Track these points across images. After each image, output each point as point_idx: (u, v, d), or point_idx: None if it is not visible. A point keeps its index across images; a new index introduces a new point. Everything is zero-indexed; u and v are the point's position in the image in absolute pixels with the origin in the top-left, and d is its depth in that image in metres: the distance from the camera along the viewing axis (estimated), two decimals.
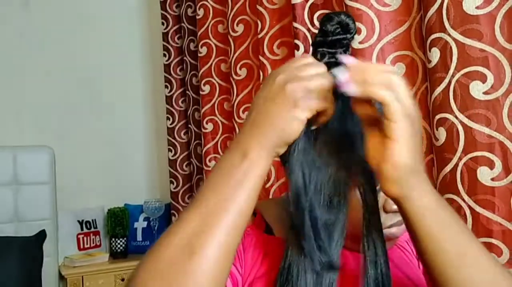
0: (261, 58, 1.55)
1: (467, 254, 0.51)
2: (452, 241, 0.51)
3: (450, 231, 0.51)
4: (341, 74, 0.50)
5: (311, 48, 0.61)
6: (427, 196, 0.51)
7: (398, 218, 0.62)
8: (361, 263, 0.54)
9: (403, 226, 0.63)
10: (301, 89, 0.50)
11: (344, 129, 0.55)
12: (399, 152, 0.48)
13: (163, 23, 2.35)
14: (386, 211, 0.61)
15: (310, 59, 0.54)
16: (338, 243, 0.54)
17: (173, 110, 2.32)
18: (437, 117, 1.02)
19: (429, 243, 0.51)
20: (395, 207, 0.60)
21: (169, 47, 2.33)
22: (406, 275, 0.68)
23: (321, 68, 0.52)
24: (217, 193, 0.51)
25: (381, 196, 0.60)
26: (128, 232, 2.44)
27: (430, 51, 1.03)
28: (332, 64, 0.57)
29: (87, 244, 2.39)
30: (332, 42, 0.57)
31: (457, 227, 0.52)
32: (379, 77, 0.49)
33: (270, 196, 1.52)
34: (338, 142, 0.56)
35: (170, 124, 2.33)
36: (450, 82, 0.99)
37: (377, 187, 0.57)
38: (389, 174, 0.49)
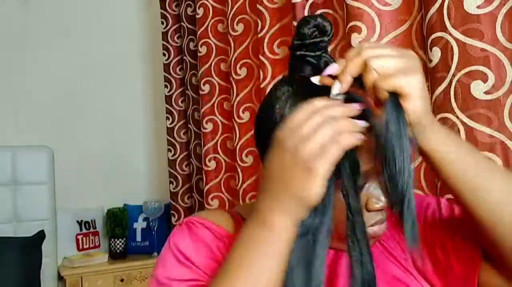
0: (261, 57, 1.55)
1: (482, 167, 0.58)
2: (470, 161, 0.58)
3: (469, 155, 0.58)
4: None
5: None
6: (442, 127, 0.58)
7: (380, 216, 0.63)
8: (347, 263, 0.55)
9: (384, 224, 0.64)
10: (312, 150, 0.50)
11: None
12: (414, 102, 0.53)
13: (162, 22, 2.35)
14: (368, 210, 0.61)
15: (309, 107, 0.53)
16: (324, 246, 0.54)
17: (173, 110, 2.31)
18: (438, 117, 1.02)
19: (455, 167, 0.57)
20: (377, 205, 0.61)
21: (169, 46, 2.32)
22: (387, 272, 0.68)
23: (322, 109, 0.52)
24: (247, 268, 0.53)
25: (364, 195, 0.61)
26: (128, 233, 2.44)
27: (431, 50, 1.03)
28: (312, 66, 0.59)
29: (86, 244, 2.39)
30: (310, 45, 0.58)
31: (469, 148, 0.60)
32: (354, 60, 0.53)
33: None
34: None
35: (170, 124, 2.32)
36: (451, 81, 0.99)
37: (359, 185, 0.58)
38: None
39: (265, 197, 0.54)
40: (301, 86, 0.60)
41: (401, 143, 0.51)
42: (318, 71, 0.59)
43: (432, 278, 0.68)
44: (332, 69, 0.56)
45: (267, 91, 0.67)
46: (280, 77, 0.68)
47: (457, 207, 0.70)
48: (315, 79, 0.58)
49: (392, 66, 0.53)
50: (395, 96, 0.52)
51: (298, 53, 0.59)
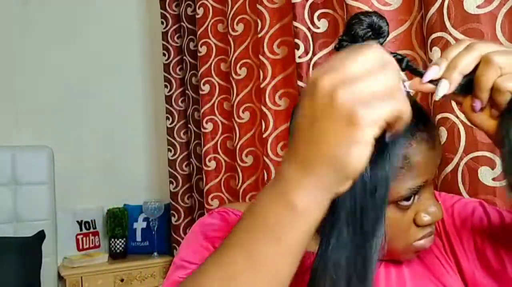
0: (261, 57, 1.55)
1: None
2: None
3: None
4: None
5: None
6: None
7: (429, 229, 0.61)
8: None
9: (432, 237, 0.61)
10: (360, 96, 0.36)
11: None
12: None
13: (162, 22, 2.35)
14: (417, 225, 0.59)
15: (371, 47, 0.39)
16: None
17: (173, 110, 2.32)
18: (438, 116, 1.02)
19: None
20: (425, 219, 0.59)
21: (169, 46, 2.32)
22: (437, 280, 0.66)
23: (383, 54, 0.39)
24: (246, 249, 0.40)
25: (412, 209, 0.59)
26: (128, 233, 2.44)
27: (431, 50, 1.03)
28: None
29: (86, 244, 2.39)
30: None
31: None
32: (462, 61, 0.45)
33: None
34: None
35: (170, 124, 2.32)
36: None
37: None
38: None
39: (289, 163, 0.39)
40: None
41: None
42: None
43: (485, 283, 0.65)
44: (433, 73, 0.47)
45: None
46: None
47: (505, 212, 0.67)
48: (406, 85, 0.48)
49: None
50: None
51: None
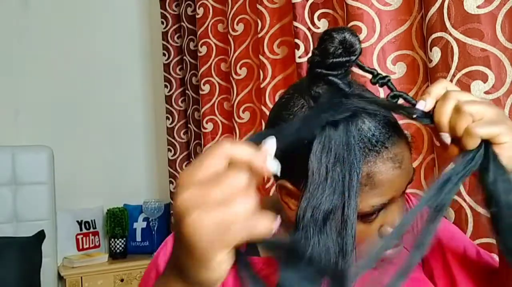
0: (261, 57, 1.55)
1: None
2: None
3: None
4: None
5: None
6: None
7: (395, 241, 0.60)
8: None
9: (400, 248, 0.60)
10: (209, 232, 0.37)
11: None
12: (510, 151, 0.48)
13: (162, 22, 2.35)
14: (381, 236, 0.59)
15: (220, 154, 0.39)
16: None
17: (173, 110, 2.32)
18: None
19: None
20: (389, 230, 0.58)
21: (169, 46, 2.33)
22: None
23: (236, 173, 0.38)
24: None
25: (377, 221, 0.58)
26: (127, 233, 2.44)
27: (431, 50, 1.03)
28: (334, 88, 0.52)
29: (86, 244, 2.39)
30: (333, 65, 0.50)
31: None
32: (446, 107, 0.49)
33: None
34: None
35: (170, 124, 2.32)
36: (451, 81, 0.99)
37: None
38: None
39: (170, 262, 0.45)
40: (319, 104, 0.54)
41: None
42: (339, 90, 0.52)
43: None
44: (421, 105, 0.51)
45: (276, 99, 0.62)
46: (292, 86, 0.62)
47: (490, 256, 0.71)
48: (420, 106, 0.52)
49: (489, 112, 0.49)
50: (488, 144, 0.48)
51: (318, 70, 0.52)
